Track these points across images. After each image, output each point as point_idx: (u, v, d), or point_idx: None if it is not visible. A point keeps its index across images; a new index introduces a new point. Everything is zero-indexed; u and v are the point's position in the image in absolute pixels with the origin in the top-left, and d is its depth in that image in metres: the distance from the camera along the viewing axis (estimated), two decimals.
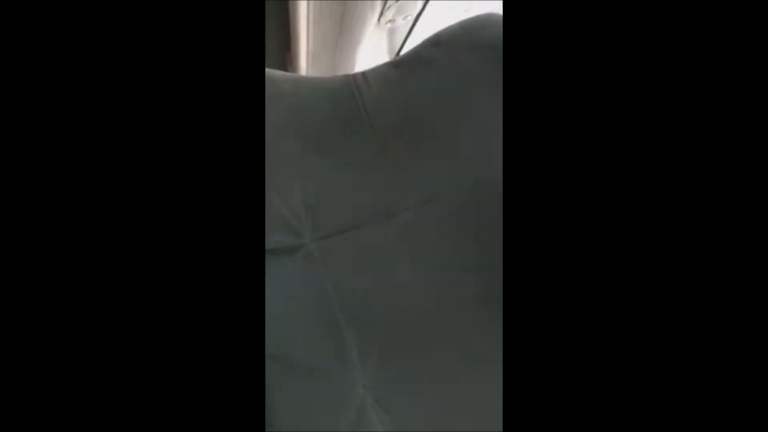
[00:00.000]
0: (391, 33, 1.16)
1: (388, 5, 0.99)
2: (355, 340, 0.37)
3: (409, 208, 0.39)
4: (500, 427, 0.24)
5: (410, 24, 1.18)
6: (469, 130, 0.37)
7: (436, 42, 0.43)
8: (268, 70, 0.42)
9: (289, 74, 0.45)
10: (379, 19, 1.04)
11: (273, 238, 0.37)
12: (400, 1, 1.01)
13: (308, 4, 0.93)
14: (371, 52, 1.20)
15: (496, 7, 0.45)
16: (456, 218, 0.37)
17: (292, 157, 0.39)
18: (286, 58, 1.22)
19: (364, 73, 0.44)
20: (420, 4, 1.07)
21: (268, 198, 0.38)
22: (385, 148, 0.40)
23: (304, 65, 1.12)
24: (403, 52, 1.32)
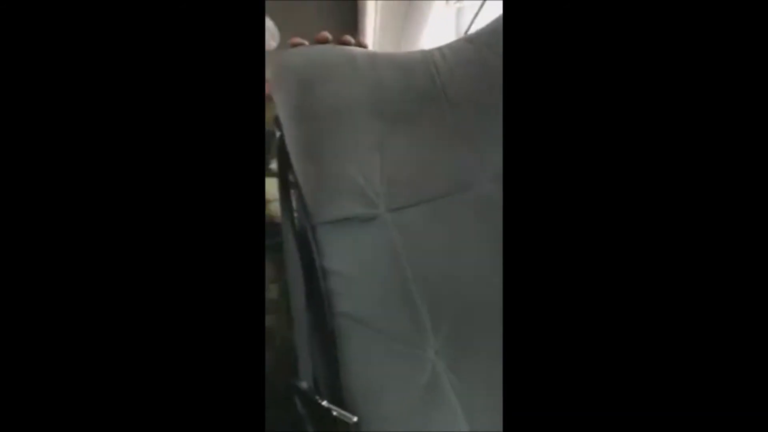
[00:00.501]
0: (459, 13, 1.13)
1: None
2: (427, 308, 0.35)
3: (482, 183, 0.38)
4: None
5: (479, 5, 1.14)
6: None
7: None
8: (347, 48, 0.42)
9: (367, 50, 0.45)
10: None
11: (350, 208, 0.37)
12: None
13: None
14: (438, 32, 1.17)
15: None
16: None
17: (370, 131, 0.39)
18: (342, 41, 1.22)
19: (440, 48, 0.44)
20: None
21: (346, 169, 0.38)
22: (460, 123, 0.40)
23: (369, 45, 1.12)
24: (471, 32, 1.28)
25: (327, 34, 0.43)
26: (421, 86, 0.41)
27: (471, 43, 0.43)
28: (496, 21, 0.43)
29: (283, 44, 1.27)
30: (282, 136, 0.40)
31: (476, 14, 1.17)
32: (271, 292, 0.40)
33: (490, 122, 0.38)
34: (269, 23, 1.20)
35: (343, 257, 0.36)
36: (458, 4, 1.07)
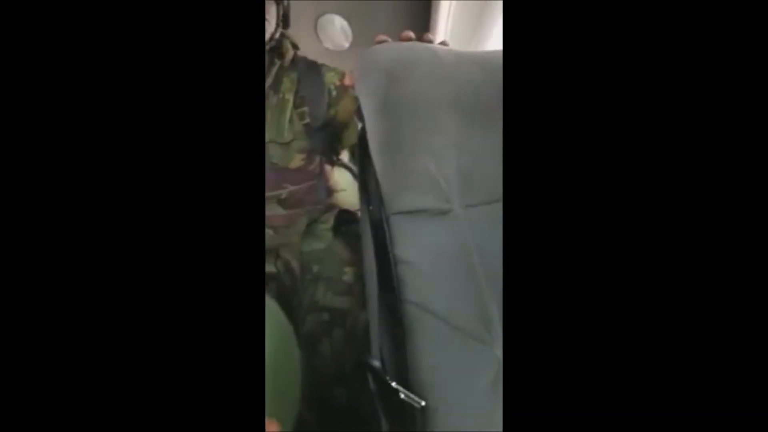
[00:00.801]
0: None
1: None
2: (496, 306, 0.35)
3: None
4: None
5: None
6: None
7: None
8: (431, 45, 0.43)
9: (451, 49, 0.45)
10: None
11: (424, 201, 0.38)
12: None
13: None
14: None
15: None
16: None
17: (449, 127, 0.40)
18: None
19: None
20: None
21: (424, 163, 0.39)
22: None
23: (441, 32, 1.12)
24: None
25: (411, 33, 0.45)
26: (500, 84, 0.41)
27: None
28: None
29: (355, 44, 1.31)
30: (363, 127, 0.42)
31: None
32: (347, 274, 0.42)
33: None
34: (342, 23, 1.25)
35: (414, 247, 0.37)
36: None
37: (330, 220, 0.41)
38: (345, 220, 0.41)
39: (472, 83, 0.42)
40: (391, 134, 0.40)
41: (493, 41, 1.14)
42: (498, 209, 0.38)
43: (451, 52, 0.44)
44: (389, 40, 0.46)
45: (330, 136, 0.63)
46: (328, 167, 0.64)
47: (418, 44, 0.44)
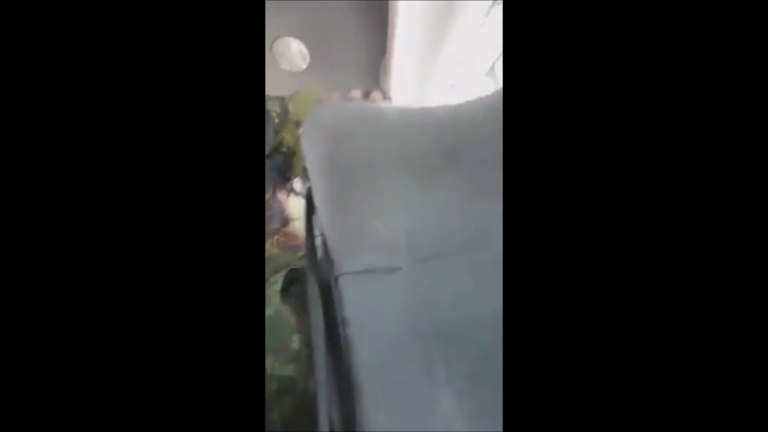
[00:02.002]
0: (488, 41, 1.14)
1: (493, 5, 0.97)
2: (443, 364, 0.36)
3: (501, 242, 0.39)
4: None
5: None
6: None
7: None
8: (376, 105, 0.44)
9: (397, 106, 0.46)
10: (486, 17, 1.02)
11: (373, 260, 0.39)
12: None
13: (408, 15, 0.94)
14: (466, 61, 1.18)
15: None
16: None
17: (396, 185, 0.41)
18: (381, 64, 1.24)
19: (470, 103, 0.46)
20: None
21: (371, 222, 0.40)
22: (483, 179, 0.41)
23: (397, 72, 1.14)
24: (497, 63, 1.28)
25: (357, 95, 0.46)
26: (449, 143, 0.43)
27: (494, 99, 0.45)
28: None
29: (313, 65, 1.31)
30: (309, 188, 0.42)
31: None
32: (294, 342, 0.42)
33: None
34: (300, 46, 1.24)
35: (362, 307, 0.38)
36: (485, 32, 1.07)
37: (279, 281, 0.41)
38: (293, 280, 0.41)
39: (416, 141, 0.43)
40: (337, 195, 0.41)
41: (456, 69, 1.16)
42: (447, 263, 0.40)
43: (396, 110, 0.46)
44: (336, 98, 0.47)
45: (280, 163, 0.64)
46: (283, 195, 0.65)
47: (365, 105, 0.46)
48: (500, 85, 1.31)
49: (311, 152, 0.42)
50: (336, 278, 0.39)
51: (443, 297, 0.38)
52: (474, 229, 0.40)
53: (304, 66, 1.32)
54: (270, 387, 0.37)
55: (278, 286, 0.41)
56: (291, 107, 0.67)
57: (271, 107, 0.63)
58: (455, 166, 0.42)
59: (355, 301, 0.38)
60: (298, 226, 0.62)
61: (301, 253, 0.42)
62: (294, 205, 0.65)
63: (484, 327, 0.38)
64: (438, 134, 0.44)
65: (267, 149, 0.61)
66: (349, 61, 1.35)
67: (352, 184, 0.41)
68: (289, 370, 0.39)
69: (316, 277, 0.39)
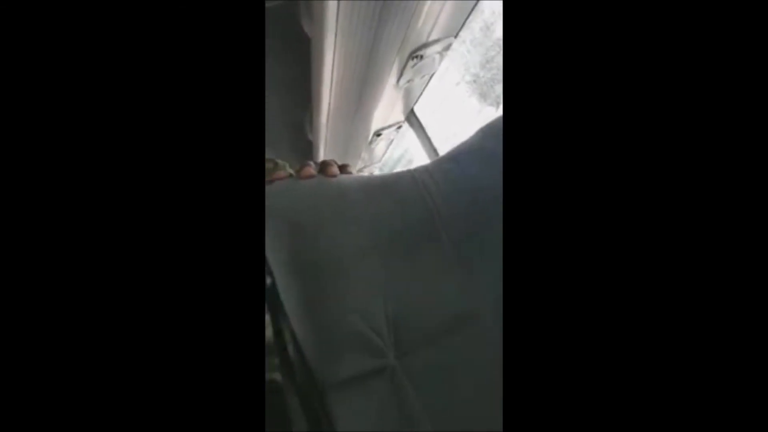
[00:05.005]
0: (407, 92, 1.18)
1: (410, 64, 1.01)
2: None
3: (486, 313, 0.37)
4: None
5: (425, 83, 1.21)
6: None
7: (489, 134, 0.43)
8: (335, 182, 0.41)
9: (356, 179, 0.44)
10: (398, 81, 1.06)
11: (358, 363, 0.35)
12: (420, 62, 1.03)
13: (333, 67, 0.94)
14: (387, 110, 1.22)
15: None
16: None
17: (370, 274, 0.38)
18: (305, 117, 1.23)
19: (429, 171, 0.44)
20: (437, 63, 1.10)
21: (350, 321, 0.36)
22: (458, 251, 0.39)
23: (324, 123, 1.13)
24: (416, 109, 1.34)
25: (312, 170, 0.42)
26: (417, 216, 0.41)
27: (458, 164, 0.44)
28: (474, 137, 0.44)
29: None
30: (273, 283, 0.38)
31: (421, 93, 1.24)
32: None
33: (486, 249, 0.38)
34: None
35: (357, 422, 0.34)
36: (406, 86, 1.12)
37: None
38: (269, 397, 0.35)
39: (386, 220, 0.41)
40: (308, 294, 0.37)
41: (375, 117, 1.19)
42: (432, 354, 0.37)
43: (358, 186, 0.43)
44: (287, 175, 0.43)
45: None
46: None
47: (324, 184, 0.42)
48: (422, 128, 1.37)
49: (271, 245, 0.38)
50: (322, 394, 0.34)
51: (439, 389, 0.36)
52: (455, 306, 0.39)
53: None
54: None
55: None
56: None
57: None
58: (427, 242, 0.40)
59: (347, 415, 0.34)
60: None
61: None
62: None
63: (486, 411, 0.36)
64: (405, 209, 0.42)
65: None
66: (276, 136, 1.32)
67: (323, 281, 0.37)
68: None
69: (296, 392, 0.34)
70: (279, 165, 0.43)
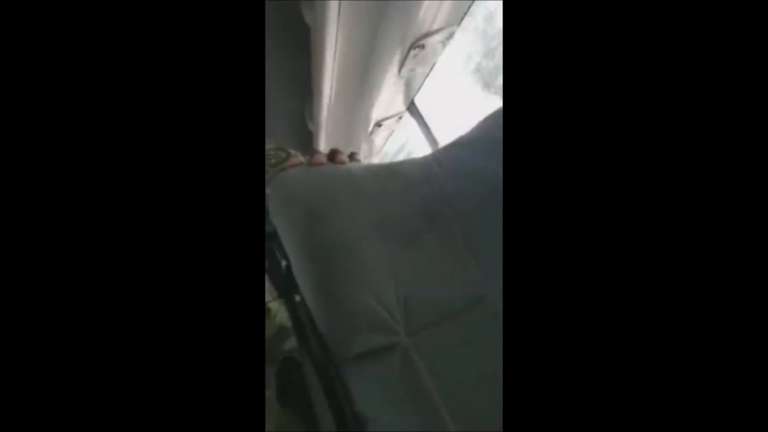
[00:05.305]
0: (408, 82, 1.19)
1: (411, 54, 1.02)
2: (458, 427, 0.35)
3: (495, 294, 0.39)
4: None
5: (427, 72, 1.21)
6: None
7: (494, 122, 0.44)
8: (347, 169, 0.42)
9: (367, 167, 0.45)
10: (400, 70, 1.06)
11: (370, 339, 0.36)
12: (422, 52, 1.03)
13: (334, 57, 0.94)
14: (388, 100, 1.22)
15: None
16: None
17: (381, 256, 0.40)
18: (305, 108, 1.23)
19: (436, 157, 0.45)
20: (439, 53, 1.10)
21: (362, 300, 0.37)
22: (467, 235, 0.41)
23: (324, 113, 1.13)
24: (417, 100, 1.34)
25: (322, 158, 0.43)
26: (426, 202, 0.42)
27: (465, 149, 0.45)
28: (482, 123, 0.45)
29: None
30: (289, 266, 0.39)
31: (421, 84, 1.24)
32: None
33: (492, 228, 0.39)
34: None
35: (374, 399, 0.35)
36: (407, 75, 1.12)
37: (273, 384, 0.36)
38: (288, 373, 0.36)
39: (397, 206, 0.42)
40: (323, 276, 0.38)
41: (377, 106, 1.19)
42: (442, 331, 0.38)
43: (369, 173, 0.44)
44: (303, 162, 0.44)
45: None
46: None
47: (334, 170, 0.43)
48: (423, 116, 1.37)
49: (287, 230, 0.39)
50: (337, 368, 0.36)
51: (448, 365, 0.37)
52: (463, 288, 0.40)
53: None
54: None
55: (273, 389, 0.36)
56: None
57: None
58: (437, 226, 0.42)
59: (364, 392, 0.35)
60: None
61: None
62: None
63: (497, 384, 0.37)
64: (415, 195, 0.43)
65: None
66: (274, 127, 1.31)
67: (336, 264, 0.38)
68: None
69: (314, 366, 0.35)
70: (292, 154, 0.43)
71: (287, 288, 0.39)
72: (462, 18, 0.97)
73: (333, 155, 0.45)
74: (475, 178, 0.42)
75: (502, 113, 0.44)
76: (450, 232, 0.41)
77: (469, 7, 0.96)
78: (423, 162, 0.45)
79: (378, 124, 1.33)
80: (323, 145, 1.34)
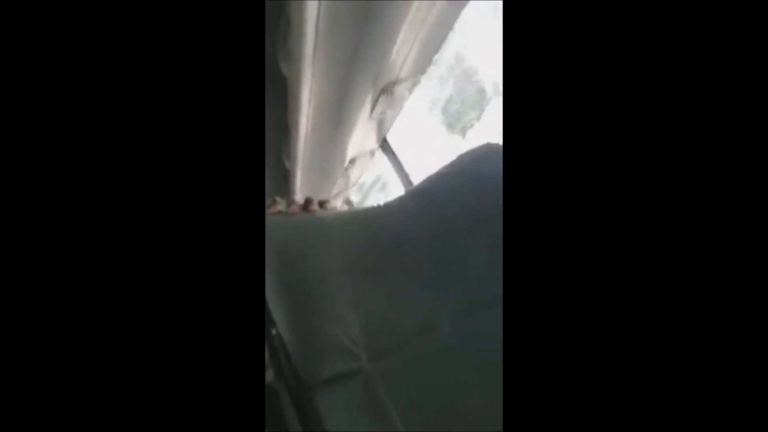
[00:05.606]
0: (380, 122, 1.27)
1: (381, 99, 1.10)
2: None
3: (445, 325, 0.42)
4: None
5: (396, 114, 1.30)
6: (480, 253, 0.44)
7: (443, 174, 0.51)
8: (317, 216, 0.49)
9: (333, 213, 0.51)
10: (371, 113, 1.15)
11: (335, 365, 0.40)
12: (391, 97, 1.12)
13: (309, 104, 1.02)
14: (361, 138, 1.30)
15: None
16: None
17: (346, 290, 0.44)
18: (282, 149, 1.29)
19: (401, 199, 0.51)
20: (407, 97, 1.19)
21: (328, 329, 0.42)
22: (422, 273, 0.45)
23: (300, 154, 1.20)
24: (389, 137, 1.43)
25: (297, 208, 0.49)
26: (386, 243, 0.48)
27: (416, 197, 0.51)
28: (432, 177, 0.52)
29: None
30: (266, 303, 0.44)
31: (391, 125, 1.33)
32: None
33: (446, 264, 0.45)
34: None
35: (341, 420, 0.39)
36: (379, 117, 1.20)
37: None
38: (268, 401, 0.41)
39: (359, 244, 0.48)
40: (295, 311, 0.43)
41: (350, 145, 1.26)
42: (399, 357, 0.43)
43: (337, 218, 0.50)
44: (282, 210, 0.50)
45: None
46: None
47: (308, 218, 0.49)
48: (394, 154, 1.45)
49: (265, 270, 0.44)
50: (306, 390, 0.40)
51: (409, 390, 0.42)
52: (416, 317, 0.45)
53: None
54: None
55: None
56: None
57: None
58: (398, 262, 0.47)
59: (330, 412, 0.40)
60: None
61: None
62: None
63: (451, 405, 0.41)
64: (376, 233, 0.48)
65: None
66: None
67: (306, 299, 0.44)
68: None
69: (287, 392, 0.40)
70: (277, 201, 0.49)
71: (265, 323, 0.44)
72: (427, 68, 1.07)
73: (306, 204, 0.51)
74: (421, 224, 0.48)
75: (467, 154, 0.50)
76: (407, 269, 0.47)
77: (433, 58, 1.06)
78: (387, 205, 0.51)
79: (352, 161, 1.41)
80: (299, 181, 1.40)
